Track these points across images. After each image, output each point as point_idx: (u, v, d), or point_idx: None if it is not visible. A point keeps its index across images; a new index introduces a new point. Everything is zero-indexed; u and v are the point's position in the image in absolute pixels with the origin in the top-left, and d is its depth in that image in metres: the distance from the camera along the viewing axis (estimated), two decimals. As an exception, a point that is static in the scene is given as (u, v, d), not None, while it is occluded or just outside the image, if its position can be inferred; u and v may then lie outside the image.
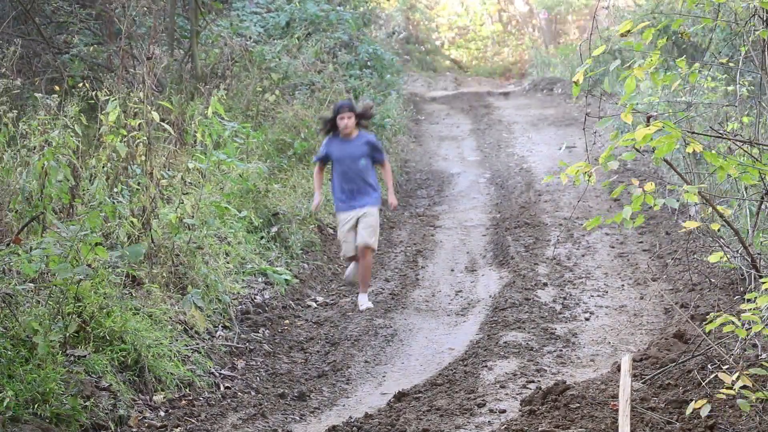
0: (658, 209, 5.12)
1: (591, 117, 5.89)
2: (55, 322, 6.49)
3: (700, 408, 4.91)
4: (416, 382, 7.55)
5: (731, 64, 6.50)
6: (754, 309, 5.09)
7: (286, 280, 9.92)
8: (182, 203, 8.58)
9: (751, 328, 5.20)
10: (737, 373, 4.96)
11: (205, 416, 6.82)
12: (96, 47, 13.39)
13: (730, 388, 4.97)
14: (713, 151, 4.96)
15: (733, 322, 5.02)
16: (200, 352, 7.71)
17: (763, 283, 5.22)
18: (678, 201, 5.63)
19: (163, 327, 7.54)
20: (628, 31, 5.18)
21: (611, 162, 4.98)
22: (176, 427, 6.56)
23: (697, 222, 5.19)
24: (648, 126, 4.77)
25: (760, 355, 6.25)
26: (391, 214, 13.66)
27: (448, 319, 9.34)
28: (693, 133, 5.14)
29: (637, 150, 5.08)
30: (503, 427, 6.15)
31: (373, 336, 8.76)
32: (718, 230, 8.07)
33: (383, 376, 7.87)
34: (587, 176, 5.06)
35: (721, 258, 5.44)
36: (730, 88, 10.96)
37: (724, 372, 5.26)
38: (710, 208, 5.88)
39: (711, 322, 5.09)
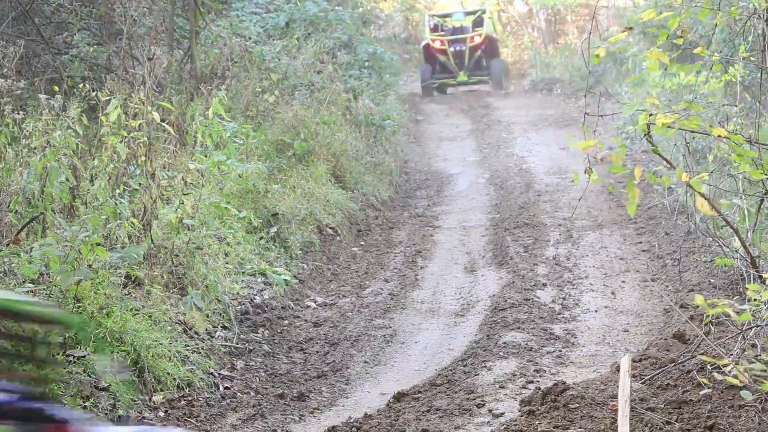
0: (660, 188, 5.11)
1: (591, 116, 5.89)
2: (55, 322, 6.48)
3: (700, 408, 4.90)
4: (415, 382, 7.55)
5: (738, 63, 6.49)
6: (756, 303, 5.09)
7: (285, 280, 9.91)
8: (182, 204, 8.58)
9: (752, 325, 5.20)
10: (731, 366, 4.95)
11: (205, 416, 6.83)
12: (96, 47, 13.37)
13: (735, 378, 4.96)
14: (720, 147, 4.97)
15: (730, 314, 5.01)
16: (200, 353, 7.71)
17: (764, 281, 5.21)
18: (676, 202, 5.62)
19: (163, 327, 7.54)
20: (630, 28, 5.18)
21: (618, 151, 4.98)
22: (175, 428, 6.56)
23: (704, 213, 5.16)
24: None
25: (759, 355, 6.25)
26: (391, 215, 13.66)
27: (447, 319, 9.34)
28: (694, 132, 5.14)
29: (651, 144, 5.07)
30: (502, 428, 6.15)
31: (372, 336, 8.76)
32: (717, 231, 8.07)
33: (382, 377, 7.87)
34: (588, 174, 5.05)
35: (719, 258, 5.44)
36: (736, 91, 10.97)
37: (722, 372, 5.26)
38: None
39: (713, 308, 5.08)
